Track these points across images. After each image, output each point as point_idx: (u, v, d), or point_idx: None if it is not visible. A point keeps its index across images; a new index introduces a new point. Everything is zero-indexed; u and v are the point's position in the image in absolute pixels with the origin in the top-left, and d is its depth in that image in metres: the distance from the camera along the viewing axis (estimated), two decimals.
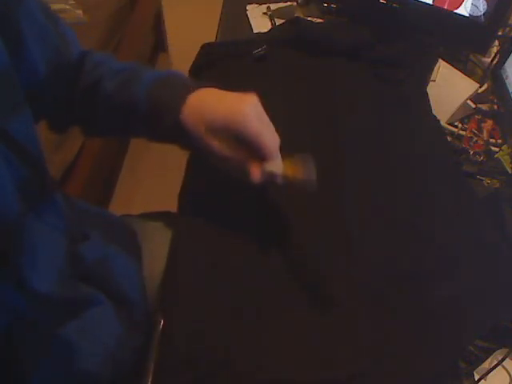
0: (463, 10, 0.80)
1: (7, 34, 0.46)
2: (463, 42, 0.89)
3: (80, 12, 1.50)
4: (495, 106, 0.86)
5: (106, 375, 0.60)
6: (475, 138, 0.82)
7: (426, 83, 0.88)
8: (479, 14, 0.78)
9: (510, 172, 0.76)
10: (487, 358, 0.57)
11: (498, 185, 0.75)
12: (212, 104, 0.56)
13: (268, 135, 0.54)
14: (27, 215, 0.45)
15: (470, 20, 0.80)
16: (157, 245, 0.74)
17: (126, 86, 0.59)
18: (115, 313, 0.60)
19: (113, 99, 0.59)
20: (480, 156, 0.79)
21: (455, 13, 0.81)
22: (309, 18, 1.01)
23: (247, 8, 1.07)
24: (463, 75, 0.90)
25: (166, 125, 0.56)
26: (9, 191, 0.43)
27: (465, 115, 0.85)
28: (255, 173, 0.54)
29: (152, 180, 1.70)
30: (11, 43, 0.46)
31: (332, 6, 1.03)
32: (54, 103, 0.62)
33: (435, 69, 0.91)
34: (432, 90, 0.87)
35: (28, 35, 0.50)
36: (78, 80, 0.61)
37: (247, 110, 0.53)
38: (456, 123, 0.85)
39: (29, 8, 0.51)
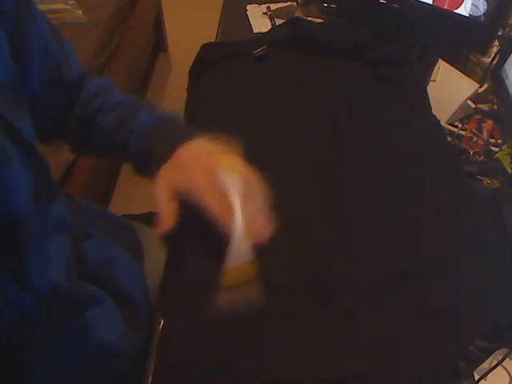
0: (463, 10, 0.80)
1: (16, 43, 0.47)
2: (463, 42, 0.89)
3: (80, 12, 1.50)
4: (495, 106, 0.86)
5: (108, 374, 0.60)
6: (475, 138, 0.82)
7: (426, 83, 0.88)
8: (479, 14, 0.78)
9: (510, 172, 0.76)
10: (487, 358, 0.57)
11: (498, 185, 0.75)
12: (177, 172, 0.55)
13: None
14: (35, 215, 0.46)
15: (469, 20, 0.80)
16: (156, 245, 0.74)
17: (120, 127, 0.60)
18: (118, 312, 0.60)
19: (107, 136, 0.61)
20: (480, 156, 0.79)
21: (455, 13, 0.81)
22: (309, 18, 1.01)
23: (247, 8, 1.07)
24: (463, 75, 0.89)
25: (150, 170, 0.57)
26: (23, 189, 0.43)
27: (465, 115, 0.86)
28: (161, 228, 0.53)
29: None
30: (18, 53, 0.47)
31: (332, 5, 1.03)
32: (42, 119, 0.62)
33: (435, 69, 0.91)
34: (432, 89, 0.87)
35: (34, 50, 0.51)
36: (73, 106, 0.62)
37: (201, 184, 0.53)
38: (456, 123, 0.85)
39: (39, 25, 0.52)
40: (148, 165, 0.57)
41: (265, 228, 0.53)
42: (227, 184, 0.52)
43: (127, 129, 0.59)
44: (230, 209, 0.51)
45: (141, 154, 0.58)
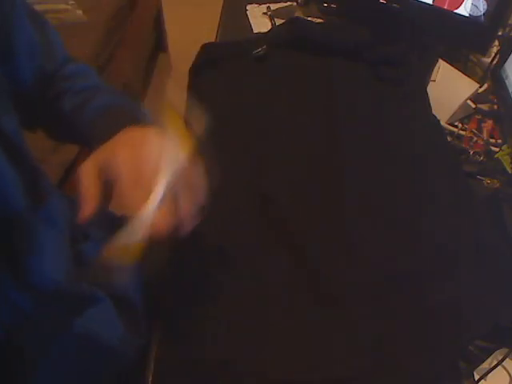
0: (463, 10, 0.80)
1: (1, 42, 0.46)
2: (463, 41, 0.89)
3: (80, 12, 1.50)
4: (495, 106, 0.86)
5: (107, 374, 0.60)
6: (475, 138, 0.82)
7: (426, 83, 0.88)
8: (479, 14, 0.78)
9: (510, 172, 0.76)
10: (487, 358, 0.57)
11: (498, 185, 0.75)
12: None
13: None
14: (32, 216, 0.46)
15: (470, 20, 0.80)
16: (156, 247, 0.74)
17: (78, 110, 0.58)
18: (117, 312, 0.60)
19: (66, 118, 0.59)
20: (480, 156, 0.79)
21: (455, 13, 0.81)
22: (309, 18, 1.01)
23: (247, 8, 1.07)
24: (463, 75, 0.89)
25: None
26: (13, 188, 0.43)
27: (465, 115, 0.86)
28: (84, 211, 0.50)
29: None
30: (2, 50, 0.47)
31: (332, 5, 1.03)
32: (34, 110, 0.62)
33: (435, 69, 0.90)
34: (432, 89, 0.87)
35: (18, 44, 0.51)
36: (47, 89, 0.61)
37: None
38: (456, 123, 0.85)
39: (20, 16, 0.51)
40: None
41: (174, 220, 0.47)
42: (162, 162, 0.47)
43: (82, 112, 0.57)
44: (144, 188, 0.46)
45: (86, 137, 0.55)
